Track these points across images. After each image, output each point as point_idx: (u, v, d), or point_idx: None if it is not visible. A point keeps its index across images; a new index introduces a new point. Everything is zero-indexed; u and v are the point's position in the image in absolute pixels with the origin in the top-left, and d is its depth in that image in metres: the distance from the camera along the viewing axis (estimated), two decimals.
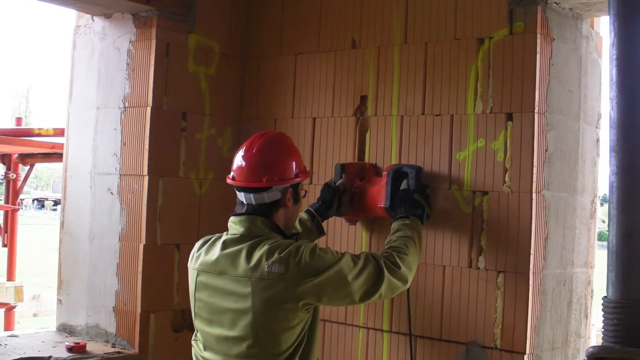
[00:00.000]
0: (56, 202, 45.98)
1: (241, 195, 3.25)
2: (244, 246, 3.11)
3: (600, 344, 1.82)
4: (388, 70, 4.07)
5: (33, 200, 48.55)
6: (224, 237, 3.23)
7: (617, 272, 1.80)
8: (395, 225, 3.55)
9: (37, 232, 27.49)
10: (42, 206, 49.80)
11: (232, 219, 3.24)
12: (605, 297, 1.86)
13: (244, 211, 3.23)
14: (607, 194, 1.80)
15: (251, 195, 3.21)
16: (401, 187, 3.75)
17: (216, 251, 3.19)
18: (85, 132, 4.46)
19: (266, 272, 3.01)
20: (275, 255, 3.02)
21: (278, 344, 3.04)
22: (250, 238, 3.14)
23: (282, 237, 3.18)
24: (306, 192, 3.50)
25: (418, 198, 3.65)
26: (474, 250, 3.71)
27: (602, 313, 1.83)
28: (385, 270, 3.19)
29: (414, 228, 3.52)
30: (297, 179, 3.29)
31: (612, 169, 1.79)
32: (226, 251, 3.15)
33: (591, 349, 1.81)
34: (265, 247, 3.06)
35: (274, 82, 4.55)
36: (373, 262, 3.19)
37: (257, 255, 3.06)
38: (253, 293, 3.02)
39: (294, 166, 3.30)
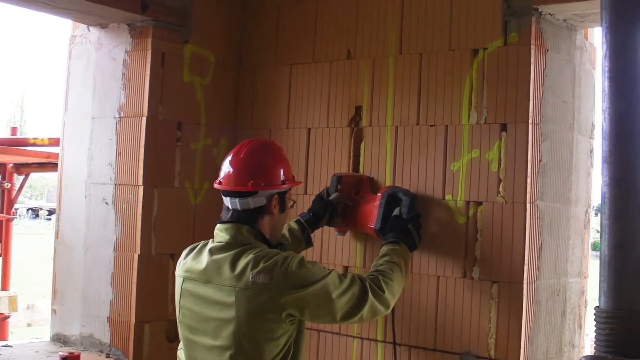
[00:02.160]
0: (50, 212, 45.92)
1: (227, 200, 3.24)
2: (229, 254, 3.09)
3: (592, 353, 1.83)
4: (383, 81, 4.08)
5: (27, 210, 48.51)
6: (210, 244, 3.22)
7: (609, 282, 1.81)
8: (384, 249, 3.55)
9: (32, 241, 27.44)
10: (37, 216, 49.75)
11: (218, 226, 3.23)
12: (598, 307, 1.87)
13: (229, 218, 3.22)
14: (600, 206, 1.81)
15: (237, 200, 3.19)
16: (393, 213, 3.76)
17: (203, 259, 3.17)
18: (80, 141, 4.47)
19: (250, 282, 2.98)
20: (261, 265, 3.00)
21: (261, 354, 3.02)
22: (235, 246, 3.12)
23: (267, 247, 3.16)
24: (294, 202, 3.45)
25: (410, 228, 3.65)
26: (468, 260, 3.72)
27: (595, 323, 1.84)
28: (370, 293, 3.17)
29: (402, 255, 3.51)
30: (284, 186, 3.27)
31: (604, 179, 1.80)
32: (212, 258, 3.13)
33: (584, 359, 1.81)
34: (251, 256, 3.04)
35: (269, 92, 4.56)
36: (359, 283, 3.18)
37: (241, 264, 3.04)
38: (237, 302, 3.00)
39: (282, 173, 3.28)
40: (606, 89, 1.78)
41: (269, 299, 2.98)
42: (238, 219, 3.19)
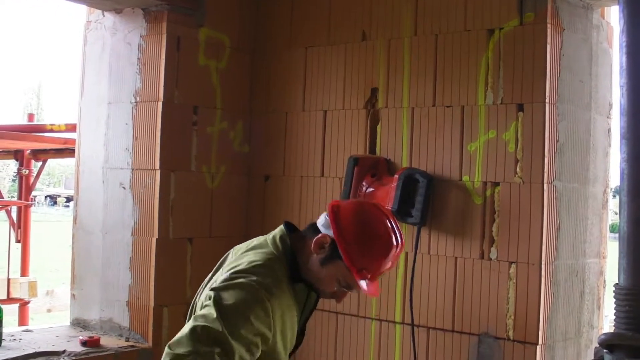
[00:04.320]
0: (68, 199, 46.11)
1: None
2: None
3: (612, 331, 1.83)
4: (398, 63, 4.07)
5: (45, 197, 48.71)
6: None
7: (628, 258, 1.79)
8: None
9: (50, 228, 27.59)
10: (55, 203, 49.97)
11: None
12: (617, 284, 1.86)
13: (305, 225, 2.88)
14: (619, 184, 1.80)
15: (325, 213, 2.80)
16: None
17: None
18: (97, 127, 4.48)
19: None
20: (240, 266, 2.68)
21: None
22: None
23: (287, 264, 2.76)
24: (348, 288, 2.80)
25: None
26: (486, 241, 3.71)
27: (614, 300, 1.83)
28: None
29: None
30: (343, 250, 2.68)
31: (622, 156, 1.79)
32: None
33: (603, 336, 1.81)
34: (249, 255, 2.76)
35: (285, 75, 4.55)
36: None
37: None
38: None
39: (358, 240, 2.71)
40: (624, 64, 1.77)
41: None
42: (305, 228, 2.86)
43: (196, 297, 2.93)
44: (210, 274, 2.93)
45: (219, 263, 2.95)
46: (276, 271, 2.71)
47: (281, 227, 2.85)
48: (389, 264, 2.78)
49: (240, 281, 2.59)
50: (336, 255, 2.70)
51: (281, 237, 2.80)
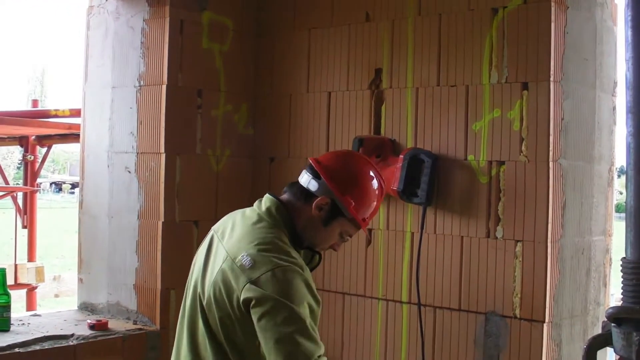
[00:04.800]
0: (74, 186, 46.14)
1: (302, 173, 2.97)
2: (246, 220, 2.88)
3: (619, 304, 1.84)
4: (402, 43, 4.06)
5: (51, 184, 48.70)
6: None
7: (635, 232, 1.79)
8: None
9: (56, 215, 27.63)
10: (60, 190, 49.98)
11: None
12: (624, 257, 1.86)
13: (285, 191, 2.97)
14: (624, 164, 1.80)
15: (306, 174, 2.93)
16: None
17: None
18: (101, 111, 4.48)
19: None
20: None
21: None
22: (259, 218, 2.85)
23: (288, 234, 2.84)
24: (344, 239, 3.00)
25: None
26: (492, 220, 3.72)
27: (621, 274, 1.84)
28: None
29: None
30: (345, 203, 2.85)
31: (628, 129, 1.79)
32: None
33: (610, 310, 1.81)
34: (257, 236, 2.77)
35: (288, 57, 4.55)
36: None
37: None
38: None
39: (358, 196, 2.88)
40: (629, 38, 1.76)
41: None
42: (290, 191, 2.95)
43: (192, 285, 2.93)
44: (202, 256, 2.94)
45: (205, 248, 2.96)
46: (288, 246, 2.79)
47: (270, 197, 2.90)
48: (379, 205, 3.02)
49: (287, 289, 2.63)
50: (337, 213, 2.87)
51: (277, 209, 2.86)
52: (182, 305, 3.01)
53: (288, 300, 2.61)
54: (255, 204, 2.95)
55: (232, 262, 2.71)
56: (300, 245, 2.89)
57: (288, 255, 2.73)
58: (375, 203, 2.97)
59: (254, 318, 2.64)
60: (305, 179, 2.91)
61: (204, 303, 2.82)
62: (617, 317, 1.83)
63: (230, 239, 2.85)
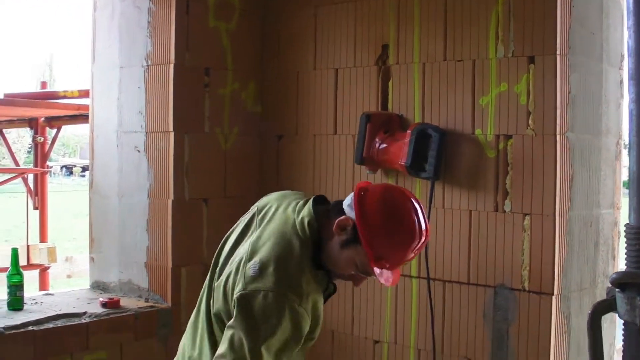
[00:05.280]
0: (84, 169, 46.21)
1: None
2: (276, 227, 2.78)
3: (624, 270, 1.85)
4: (408, 18, 4.06)
5: (61, 168, 48.82)
6: (292, 204, 2.86)
7: (638, 198, 1.81)
8: None
9: (67, 198, 27.72)
10: (71, 173, 50.09)
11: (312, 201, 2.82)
12: (628, 224, 1.88)
13: (326, 202, 2.86)
14: (628, 124, 1.81)
15: (351, 195, 2.74)
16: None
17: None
18: (109, 92, 4.50)
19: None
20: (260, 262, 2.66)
21: None
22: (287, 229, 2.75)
23: (311, 251, 2.72)
24: (362, 276, 2.82)
25: None
26: (500, 194, 3.73)
27: (625, 240, 1.85)
28: None
29: None
30: (365, 237, 2.63)
31: (631, 96, 1.80)
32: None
33: (614, 275, 1.83)
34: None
35: (295, 35, 4.55)
36: None
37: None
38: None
39: (381, 237, 2.64)
40: (631, 6, 1.76)
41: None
42: (332, 207, 2.79)
43: (222, 256, 2.90)
44: (238, 230, 2.91)
45: (244, 224, 2.91)
46: (303, 273, 2.69)
47: (309, 209, 2.75)
48: (410, 256, 2.72)
49: (273, 319, 2.57)
50: (357, 239, 2.65)
51: (309, 224, 2.71)
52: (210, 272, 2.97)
53: (261, 335, 2.57)
54: (300, 204, 2.81)
55: (246, 262, 2.69)
56: (322, 265, 2.76)
57: (298, 275, 2.66)
58: (404, 249, 2.69)
59: (234, 317, 2.63)
60: (349, 199, 2.73)
61: (214, 283, 2.85)
62: (621, 282, 1.85)
63: (263, 230, 2.79)
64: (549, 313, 3.60)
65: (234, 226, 2.99)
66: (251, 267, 2.66)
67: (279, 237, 2.73)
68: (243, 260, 2.71)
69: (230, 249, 2.90)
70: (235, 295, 2.65)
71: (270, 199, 2.96)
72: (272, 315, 2.59)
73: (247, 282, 2.64)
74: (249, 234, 2.86)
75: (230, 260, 2.82)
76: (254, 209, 2.96)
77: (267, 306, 2.59)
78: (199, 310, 2.95)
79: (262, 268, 2.64)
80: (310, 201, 2.80)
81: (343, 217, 2.69)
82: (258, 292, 2.60)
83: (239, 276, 2.69)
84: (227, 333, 2.62)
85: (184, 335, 3.02)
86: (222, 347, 2.62)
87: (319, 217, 2.74)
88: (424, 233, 2.70)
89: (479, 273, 3.80)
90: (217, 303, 2.80)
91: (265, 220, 2.84)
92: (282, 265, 2.65)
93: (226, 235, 3.00)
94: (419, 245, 2.70)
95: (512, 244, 3.70)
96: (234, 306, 2.65)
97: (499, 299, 3.72)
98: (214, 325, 2.82)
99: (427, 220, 2.73)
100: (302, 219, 2.73)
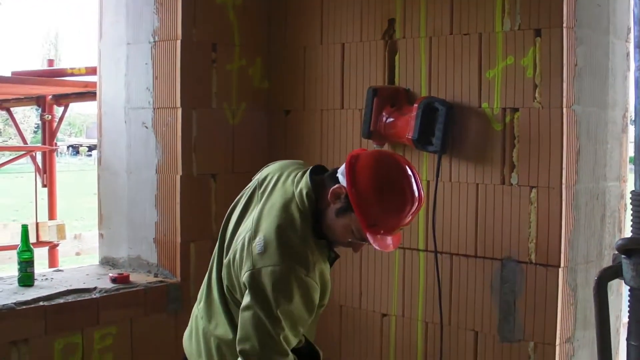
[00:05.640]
0: (90, 148, 46.30)
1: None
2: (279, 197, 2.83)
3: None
4: None
5: (68, 147, 48.91)
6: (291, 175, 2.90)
7: None
8: None
9: (74, 178, 27.79)
10: (77, 152, 50.21)
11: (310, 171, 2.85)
12: (633, 190, 1.89)
13: (323, 172, 2.87)
14: (634, 92, 1.83)
15: (341, 168, 2.76)
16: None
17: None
18: (117, 68, 4.51)
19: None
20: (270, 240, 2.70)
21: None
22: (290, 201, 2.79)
23: (312, 222, 2.77)
24: (358, 244, 2.85)
25: None
26: (506, 167, 3.74)
27: (631, 206, 1.87)
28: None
29: None
30: (357, 205, 2.66)
31: (636, 64, 1.81)
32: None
33: (620, 242, 1.85)
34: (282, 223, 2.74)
35: (302, 10, 4.54)
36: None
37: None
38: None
39: (371, 211, 2.67)
40: None
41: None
42: (327, 175, 2.83)
43: (228, 232, 2.95)
44: (241, 205, 2.96)
45: (246, 198, 2.96)
46: (307, 244, 2.74)
47: (307, 181, 2.79)
48: (405, 220, 2.72)
49: (282, 285, 2.64)
50: (351, 207, 2.68)
51: (307, 196, 2.76)
52: (219, 237, 3.03)
53: (276, 302, 2.63)
54: (298, 176, 2.86)
55: (251, 240, 2.74)
56: (322, 235, 2.80)
57: (303, 248, 2.72)
58: (398, 214, 2.71)
59: (242, 303, 2.71)
60: (343, 166, 2.76)
61: (224, 259, 2.90)
62: (627, 248, 1.86)
63: (264, 204, 2.83)
64: (555, 285, 3.61)
65: (236, 200, 3.04)
66: (256, 244, 2.71)
67: (280, 210, 2.77)
68: (248, 238, 2.76)
69: (235, 224, 2.95)
70: (244, 275, 2.71)
71: (270, 170, 3.00)
72: (283, 289, 2.65)
73: (254, 260, 2.69)
74: (251, 209, 2.91)
75: (236, 237, 2.87)
76: (254, 182, 3.00)
77: (277, 281, 2.65)
78: (210, 285, 3.00)
79: (266, 244, 2.69)
80: (308, 172, 2.84)
81: (337, 185, 2.72)
82: (266, 269, 2.66)
83: (245, 254, 2.73)
84: (245, 315, 2.68)
85: (196, 307, 3.07)
86: (243, 330, 2.68)
87: (316, 188, 2.78)
88: (417, 198, 2.71)
89: (486, 246, 3.82)
90: (228, 279, 2.86)
91: (266, 194, 2.88)
92: (286, 239, 2.71)
93: (229, 210, 3.05)
94: (413, 210, 2.71)
95: (519, 216, 3.71)
96: (245, 286, 2.71)
97: (506, 272, 3.74)
98: (228, 299, 2.88)
99: (420, 186, 2.74)
100: (301, 190, 2.78)
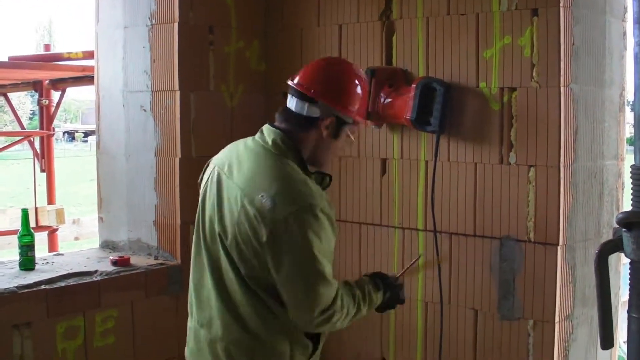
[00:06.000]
0: (86, 134, 46.29)
1: (289, 99, 3.02)
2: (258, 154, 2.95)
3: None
4: None
5: (63, 133, 48.86)
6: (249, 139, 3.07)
7: None
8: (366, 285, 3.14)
9: (70, 164, 27.77)
10: (73, 138, 50.18)
11: (265, 126, 3.03)
12: (634, 165, 1.91)
13: (278, 119, 3.02)
14: (633, 67, 1.84)
15: (295, 100, 2.97)
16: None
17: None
18: (114, 52, 4.51)
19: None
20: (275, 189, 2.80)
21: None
22: (267, 150, 2.93)
23: (299, 166, 2.92)
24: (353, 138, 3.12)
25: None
26: (505, 146, 3.75)
27: (631, 181, 1.88)
28: (333, 313, 2.86)
29: (370, 304, 3.13)
30: (348, 113, 2.97)
31: (636, 40, 1.82)
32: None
33: (621, 215, 1.86)
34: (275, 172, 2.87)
35: None
36: (335, 300, 2.86)
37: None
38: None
39: (356, 104, 3.00)
40: None
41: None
42: (290, 123, 2.97)
43: (207, 224, 3.00)
44: (212, 199, 3.00)
45: (215, 186, 3.01)
46: (302, 175, 2.88)
47: (272, 129, 2.97)
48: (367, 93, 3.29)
49: (303, 227, 2.75)
50: (342, 123, 2.97)
51: (283, 140, 2.92)
52: (195, 243, 3.10)
53: (310, 242, 2.74)
54: (257, 135, 3.02)
55: (252, 202, 2.79)
56: (308, 170, 2.97)
57: (305, 186, 2.84)
58: (365, 96, 3.12)
59: (277, 255, 2.77)
60: (299, 106, 2.96)
61: (227, 243, 2.89)
62: (627, 221, 1.88)
63: (241, 174, 2.90)
64: (554, 263, 3.64)
65: (203, 197, 3.12)
66: (260, 200, 2.77)
67: (265, 166, 2.89)
68: (247, 203, 2.80)
69: (215, 211, 2.97)
70: (265, 236, 2.75)
71: (223, 154, 3.15)
72: (305, 230, 2.75)
73: (267, 220, 2.75)
74: (225, 189, 2.94)
75: (227, 215, 2.89)
76: (213, 169, 3.10)
77: (297, 226, 2.74)
78: (207, 289, 2.99)
79: (272, 198, 2.77)
80: (267, 126, 3.02)
81: (326, 120, 2.94)
82: (283, 220, 2.74)
83: (256, 221, 2.77)
84: (288, 286, 2.80)
85: (190, 321, 3.10)
86: (293, 292, 2.80)
87: (287, 134, 2.96)
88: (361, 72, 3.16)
89: (485, 225, 3.84)
90: (245, 252, 2.84)
91: (235, 168, 2.94)
92: (287, 184, 2.83)
93: (200, 207, 3.13)
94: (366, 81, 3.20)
95: (518, 195, 3.73)
96: (270, 250, 2.76)
97: (504, 250, 3.77)
98: (250, 278, 2.87)
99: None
100: (274, 140, 2.93)
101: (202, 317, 3.00)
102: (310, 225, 2.75)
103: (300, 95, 2.96)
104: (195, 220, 3.12)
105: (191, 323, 3.08)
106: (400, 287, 3.33)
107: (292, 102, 2.99)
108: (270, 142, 2.92)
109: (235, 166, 2.95)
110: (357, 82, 3.04)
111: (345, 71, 3.08)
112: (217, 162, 3.10)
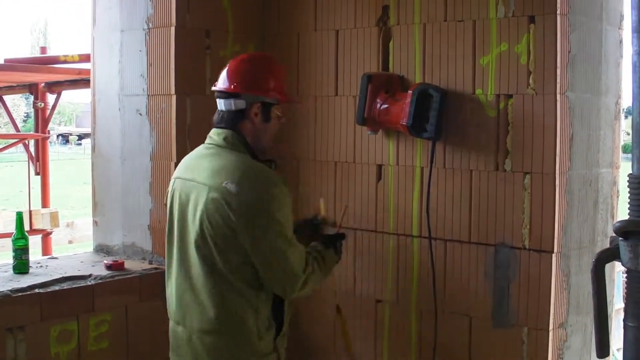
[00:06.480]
0: (80, 137, 46.22)
1: (218, 103, 3.37)
2: (213, 153, 3.29)
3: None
4: None
5: (58, 136, 48.75)
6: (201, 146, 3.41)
7: None
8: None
9: (64, 167, 27.72)
10: (67, 141, 50.08)
11: (212, 130, 3.37)
12: (631, 173, 1.91)
13: (217, 121, 3.36)
14: (631, 77, 1.84)
15: (222, 101, 3.32)
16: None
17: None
18: (110, 55, 4.51)
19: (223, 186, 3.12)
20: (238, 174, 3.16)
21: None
22: (221, 148, 3.28)
23: (249, 155, 3.26)
24: (283, 117, 3.44)
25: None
26: (500, 153, 3.75)
27: (628, 189, 1.88)
28: (303, 280, 3.25)
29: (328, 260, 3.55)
30: (269, 95, 3.32)
31: (634, 49, 1.82)
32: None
33: (618, 224, 1.86)
34: (232, 159, 3.22)
35: None
36: (306, 264, 3.28)
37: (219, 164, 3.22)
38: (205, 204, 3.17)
39: (271, 83, 3.34)
40: None
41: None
42: (225, 121, 3.31)
43: (175, 231, 3.32)
44: (177, 207, 3.32)
45: (178, 195, 3.32)
46: (252, 160, 3.23)
47: (219, 130, 3.31)
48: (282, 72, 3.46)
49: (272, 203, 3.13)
50: (268, 106, 3.30)
51: (232, 136, 3.26)
52: (167, 250, 3.43)
53: (276, 217, 3.12)
54: (207, 140, 3.36)
55: (218, 191, 3.08)
56: (259, 159, 3.28)
57: (264, 169, 3.21)
58: (279, 75, 3.41)
59: (250, 233, 3.10)
60: (227, 104, 3.30)
61: (196, 240, 3.15)
62: (624, 230, 1.88)
63: (203, 174, 3.19)
64: (548, 271, 3.64)
65: (171, 209, 3.39)
66: (225, 187, 3.09)
67: (225, 160, 3.23)
68: (213, 193, 3.10)
69: (182, 216, 3.28)
70: (235, 222, 3.07)
71: (181, 167, 3.45)
72: (271, 207, 3.12)
73: (235, 204, 3.07)
74: (192, 194, 3.23)
75: (191, 214, 3.20)
76: (175, 183, 3.39)
77: (263, 205, 3.10)
78: (184, 288, 3.30)
79: (237, 183, 3.09)
80: (213, 130, 3.36)
81: (253, 108, 3.27)
82: (249, 201, 3.08)
83: (222, 202, 3.07)
84: (266, 259, 3.13)
85: (172, 324, 3.41)
86: (268, 263, 3.14)
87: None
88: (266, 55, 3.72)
89: (480, 232, 3.84)
90: (216, 243, 3.12)
91: (197, 172, 3.25)
92: (248, 170, 3.17)
93: (168, 218, 3.42)
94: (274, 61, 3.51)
95: (513, 202, 3.73)
96: (243, 231, 3.08)
97: (499, 257, 3.76)
98: (220, 265, 3.15)
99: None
100: (225, 137, 3.28)
101: (178, 315, 3.29)
102: (274, 201, 3.12)
103: (225, 95, 3.31)
104: (167, 231, 3.40)
105: (170, 324, 3.38)
106: (343, 236, 3.70)
107: (220, 104, 3.33)
108: (222, 140, 3.26)
109: (195, 170, 3.25)
110: (266, 65, 3.40)
111: (254, 59, 3.48)
112: (177, 173, 3.39)
